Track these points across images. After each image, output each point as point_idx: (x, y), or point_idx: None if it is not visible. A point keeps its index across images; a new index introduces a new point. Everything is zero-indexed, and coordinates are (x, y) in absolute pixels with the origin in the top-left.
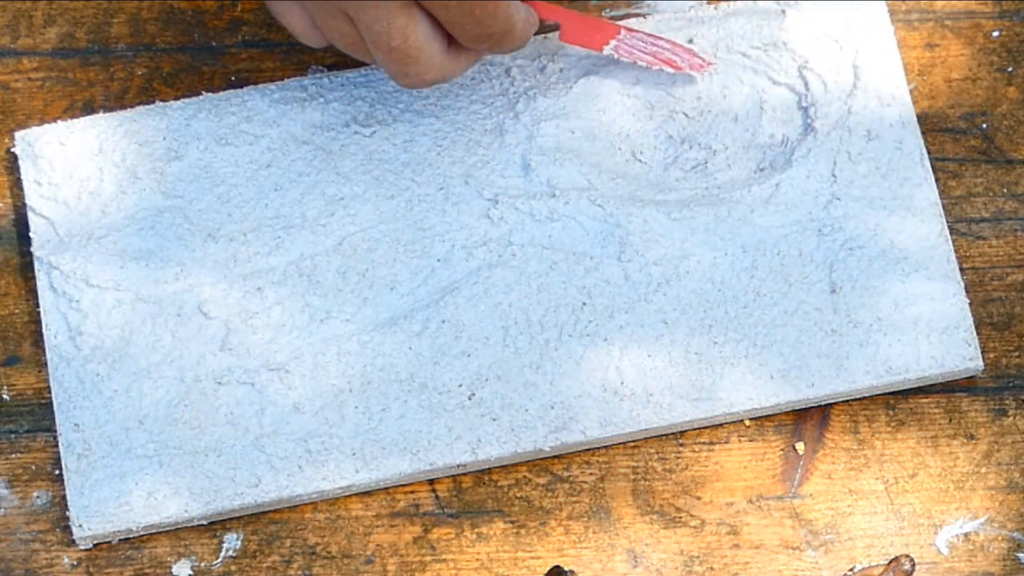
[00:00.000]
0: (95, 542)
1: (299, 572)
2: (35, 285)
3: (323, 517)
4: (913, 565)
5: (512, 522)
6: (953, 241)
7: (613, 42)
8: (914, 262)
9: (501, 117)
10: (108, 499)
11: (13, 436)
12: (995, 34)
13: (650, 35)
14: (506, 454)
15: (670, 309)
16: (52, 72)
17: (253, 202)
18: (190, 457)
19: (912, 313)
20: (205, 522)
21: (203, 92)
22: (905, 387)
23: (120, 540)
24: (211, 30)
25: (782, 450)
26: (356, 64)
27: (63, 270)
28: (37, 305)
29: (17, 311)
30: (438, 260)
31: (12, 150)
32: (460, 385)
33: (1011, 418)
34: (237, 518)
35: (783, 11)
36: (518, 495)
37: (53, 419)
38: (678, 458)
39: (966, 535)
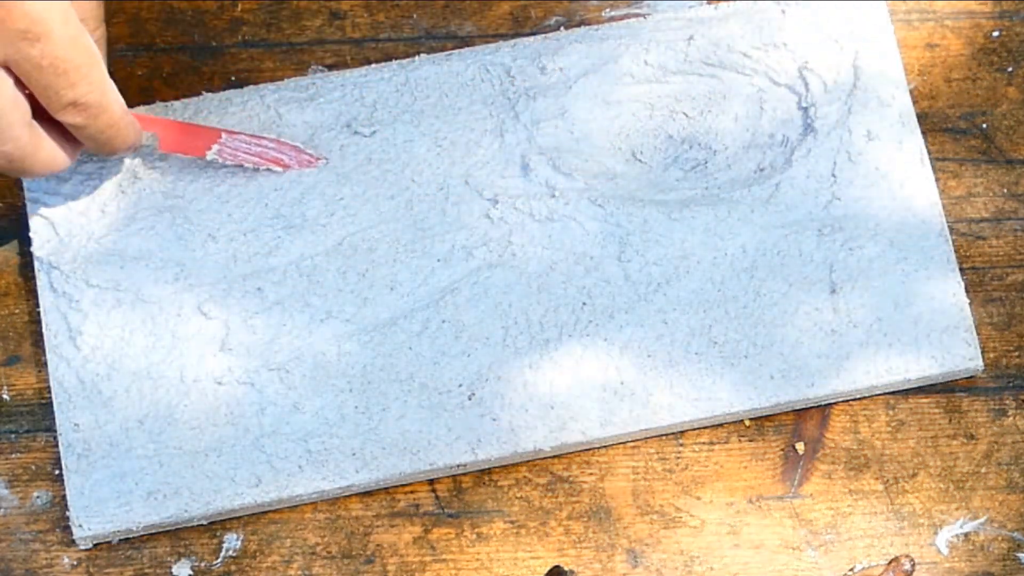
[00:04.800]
0: (95, 542)
1: (299, 572)
2: (35, 285)
3: (323, 517)
4: (913, 565)
5: (512, 522)
6: (953, 241)
7: (216, 147)
8: (914, 262)
9: (501, 117)
10: (108, 499)
11: (13, 436)
12: (995, 34)
13: (253, 136)
14: (506, 454)
15: (670, 309)
16: None
17: (253, 202)
18: (190, 457)
19: (912, 313)
20: (205, 522)
21: (203, 92)
22: (905, 387)
23: (120, 540)
24: (211, 30)
25: (782, 450)
26: (357, 64)
27: (63, 270)
28: (37, 305)
29: (17, 311)
30: (438, 260)
31: None
32: (460, 385)
33: (1011, 418)
34: (237, 518)
35: (783, 11)
36: (518, 495)
37: (53, 419)
38: (678, 458)
39: (966, 535)
